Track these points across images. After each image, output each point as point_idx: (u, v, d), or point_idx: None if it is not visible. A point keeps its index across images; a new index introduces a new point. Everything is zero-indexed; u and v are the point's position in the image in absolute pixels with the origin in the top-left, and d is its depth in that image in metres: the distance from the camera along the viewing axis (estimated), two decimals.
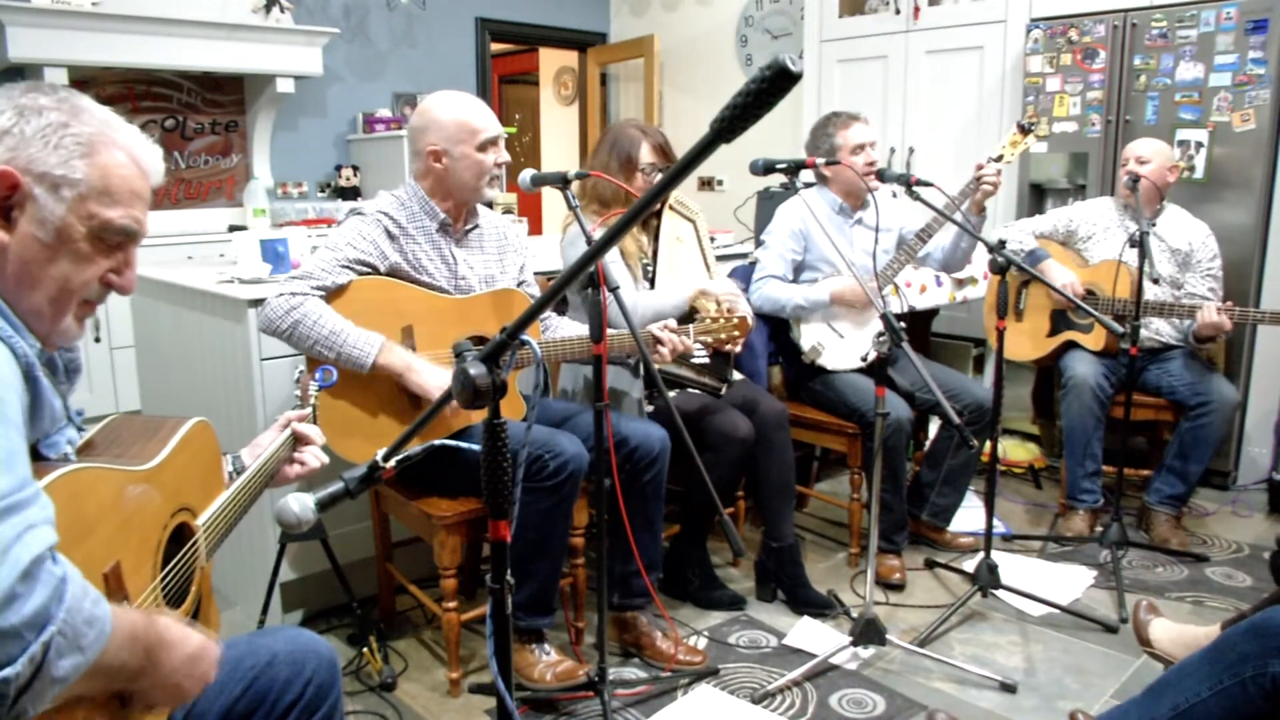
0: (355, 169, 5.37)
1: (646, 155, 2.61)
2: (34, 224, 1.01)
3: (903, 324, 2.12)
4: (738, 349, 2.46)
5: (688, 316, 2.46)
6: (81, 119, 1.05)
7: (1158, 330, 3.23)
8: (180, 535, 1.22)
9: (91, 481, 1.02)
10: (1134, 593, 2.72)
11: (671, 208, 2.78)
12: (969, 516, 3.18)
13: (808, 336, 2.95)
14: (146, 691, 1.01)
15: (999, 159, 2.71)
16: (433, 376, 2.13)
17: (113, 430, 1.22)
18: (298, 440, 1.55)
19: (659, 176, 2.64)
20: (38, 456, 1.07)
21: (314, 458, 1.56)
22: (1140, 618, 2.14)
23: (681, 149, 0.83)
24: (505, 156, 2.29)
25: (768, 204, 3.57)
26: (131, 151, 1.09)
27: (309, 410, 1.62)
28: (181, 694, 1.04)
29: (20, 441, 0.89)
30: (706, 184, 6.06)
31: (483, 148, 2.23)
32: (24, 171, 1.00)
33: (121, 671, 0.95)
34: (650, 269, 2.68)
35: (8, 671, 0.78)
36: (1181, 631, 2.04)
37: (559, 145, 8.30)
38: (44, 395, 1.04)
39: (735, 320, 2.40)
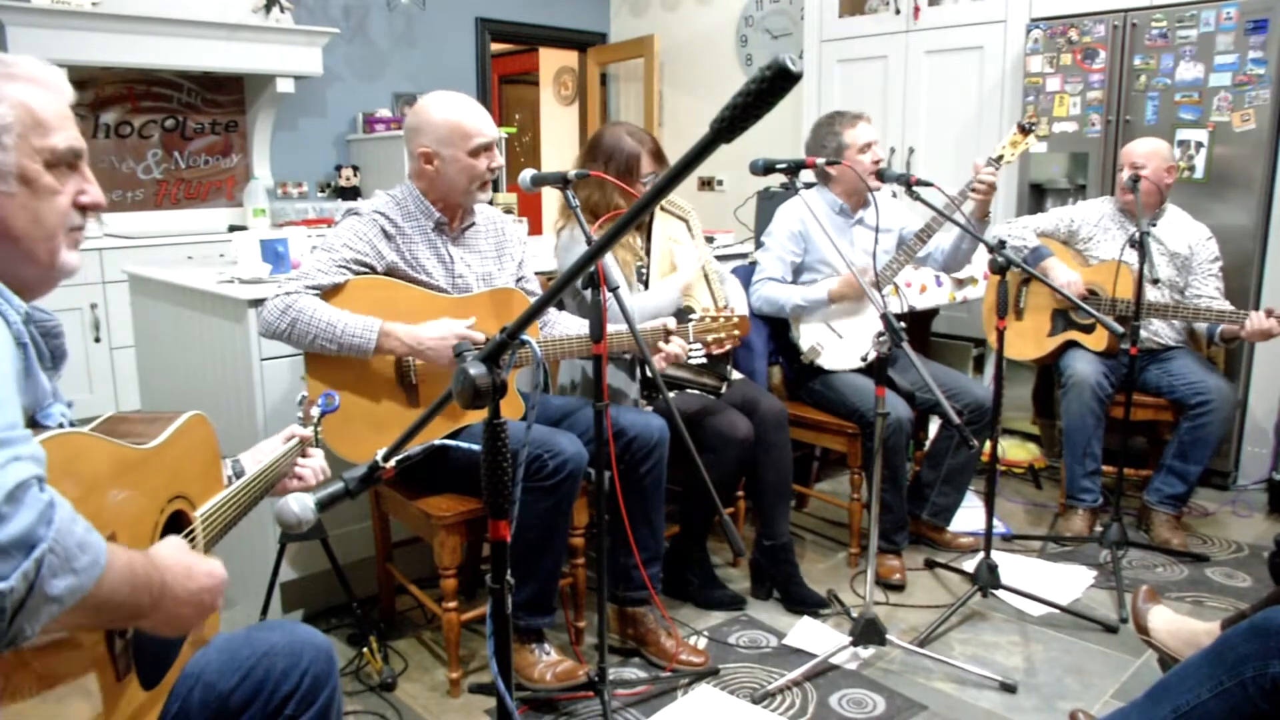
0: (355, 169, 5.36)
1: (647, 165, 2.58)
2: None
3: (903, 324, 2.12)
4: (735, 345, 2.46)
5: (683, 312, 2.46)
6: None
7: (1157, 331, 3.23)
8: (177, 523, 1.23)
9: (88, 446, 1.04)
10: (1134, 590, 2.72)
11: (663, 207, 2.76)
12: (969, 516, 3.18)
13: (806, 337, 2.95)
14: (151, 627, 1.04)
15: (999, 159, 2.71)
16: (440, 353, 2.12)
17: (110, 422, 1.23)
18: (303, 451, 1.57)
19: None
20: (35, 425, 1.08)
21: (313, 474, 1.58)
22: (1139, 606, 2.13)
23: (681, 149, 0.83)
24: (499, 161, 2.27)
25: (768, 204, 3.57)
26: (36, 78, 1.09)
27: (311, 431, 1.64)
28: (188, 626, 1.08)
29: (11, 391, 0.91)
30: (706, 184, 6.06)
31: (475, 153, 2.21)
32: None
33: (122, 608, 0.97)
34: (645, 272, 2.67)
35: (1, 586, 0.80)
36: (1180, 624, 2.04)
37: (559, 145, 8.30)
38: (34, 364, 1.05)
39: (735, 319, 2.40)
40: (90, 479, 1.03)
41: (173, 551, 1.07)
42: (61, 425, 1.10)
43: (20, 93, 1.06)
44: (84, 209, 1.11)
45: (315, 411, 1.69)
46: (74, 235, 1.11)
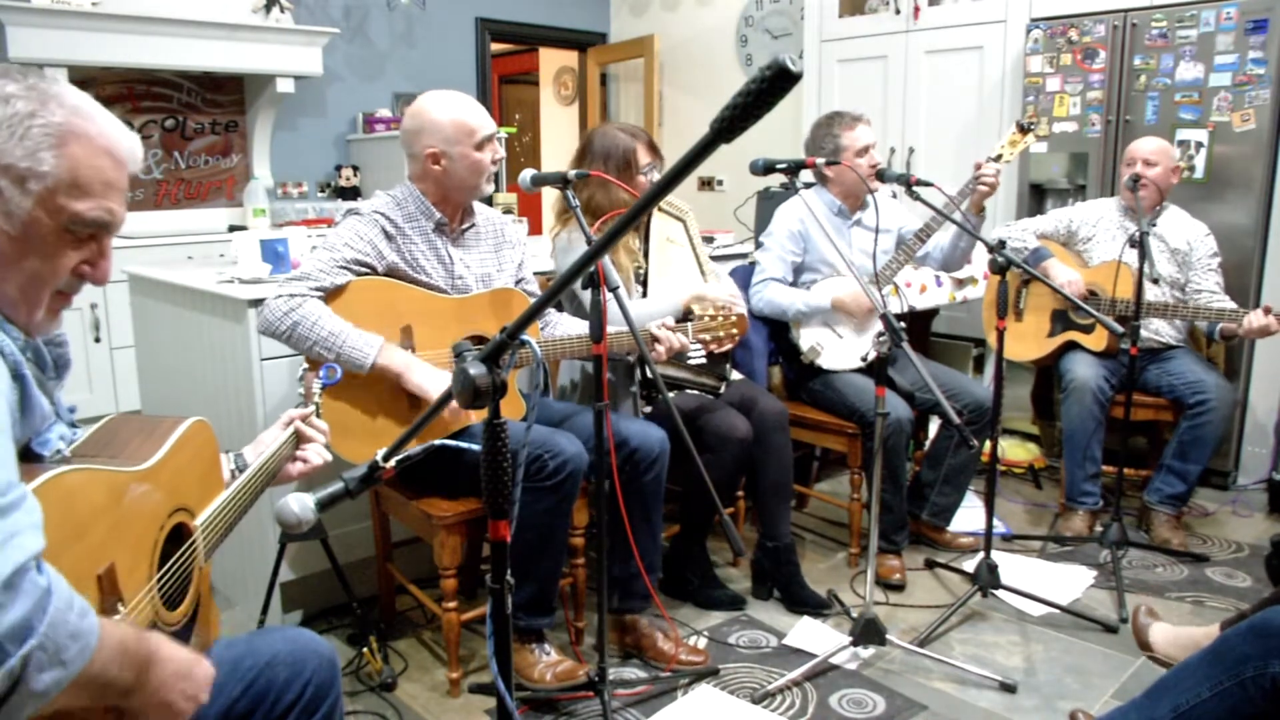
0: (355, 169, 5.36)
1: (644, 156, 2.59)
2: (0, 217, 0.99)
3: (902, 324, 2.12)
4: (733, 344, 2.46)
5: (683, 317, 2.46)
6: (50, 107, 1.01)
7: (1157, 330, 3.23)
8: (178, 535, 1.22)
9: (83, 483, 1.01)
10: (1134, 593, 2.72)
11: (660, 208, 2.76)
12: (969, 516, 3.18)
13: (807, 337, 2.95)
14: (137, 709, 0.99)
15: (998, 158, 2.71)
16: (431, 378, 2.13)
17: (109, 431, 1.21)
18: (300, 439, 1.55)
19: (656, 175, 2.64)
20: (32, 455, 1.06)
21: (317, 455, 1.54)
22: (1140, 622, 2.14)
23: (681, 149, 0.83)
24: (501, 153, 2.30)
25: (768, 204, 3.57)
26: (106, 140, 1.04)
27: (311, 409, 1.61)
28: (173, 714, 1.02)
29: (6, 444, 0.88)
30: (706, 184, 6.06)
31: (480, 146, 2.23)
32: None
33: (110, 686, 0.93)
34: (642, 272, 2.67)
35: None
36: (1180, 634, 2.05)
37: (559, 145, 8.30)
38: (32, 393, 1.02)
39: (733, 318, 2.40)
40: (87, 516, 1.00)
41: (163, 637, 1.04)
42: (59, 451, 1.08)
43: (79, 149, 1.01)
44: (80, 277, 1.06)
45: (316, 385, 1.67)
46: (59, 299, 1.06)
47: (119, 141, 1.06)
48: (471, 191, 2.28)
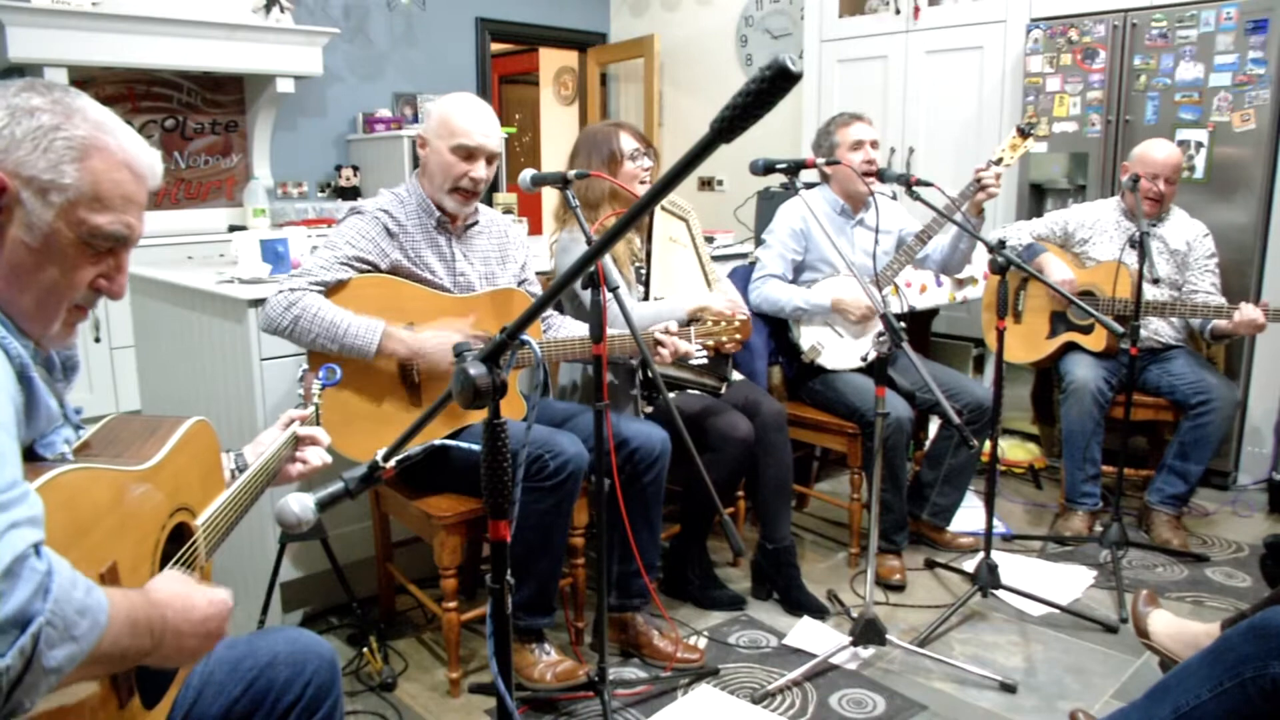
0: (355, 169, 5.37)
1: (628, 142, 2.59)
2: (21, 228, 1.00)
3: (903, 324, 2.11)
4: (736, 349, 2.46)
5: (687, 322, 2.46)
6: (74, 121, 1.02)
7: (1157, 330, 3.23)
8: (179, 535, 1.22)
9: (86, 482, 1.02)
10: (1134, 593, 2.72)
11: (663, 207, 2.76)
12: (969, 516, 3.18)
13: (807, 336, 2.95)
14: (156, 662, 1.02)
15: (998, 162, 2.71)
16: (440, 356, 2.13)
17: (110, 430, 1.21)
18: (300, 440, 1.55)
19: (646, 160, 2.63)
20: (35, 457, 1.07)
21: (317, 456, 1.54)
22: (1139, 609, 2.13)
23: (681, 149, 0.83)
24: (482, 173, 2.23)
25: (768, 204, 3.57)
26: (126, 154, 1.06)
27: (311, 409, 1.61)
28: (194, 656, 1.06)
29: (10, 443, 0.89)
30: (706, 184, 6.06)
31: (456, 151, 2.20)
32: (12, 175, 0.99)
33: (125, 656, 0.95)
34: (644, 272, 2.67)
35: None
36: (1181, 626, 2.04)
37: (559, 145, 8.29)
38: (39, 395, 1.03)
39: (737, 323, 2.40)
40: (89, 515, 1.01)
41: (171, 585, 1.05)
42: (64, 454, 1.09)
43: (100, 163, 1.03)
44: (97, 291, 1.08)
45: (316, 385, 1.66)
46: (76, 312, 1.08)
47: (139, 156, 1.08)
48: (438, 191, 2.25)
